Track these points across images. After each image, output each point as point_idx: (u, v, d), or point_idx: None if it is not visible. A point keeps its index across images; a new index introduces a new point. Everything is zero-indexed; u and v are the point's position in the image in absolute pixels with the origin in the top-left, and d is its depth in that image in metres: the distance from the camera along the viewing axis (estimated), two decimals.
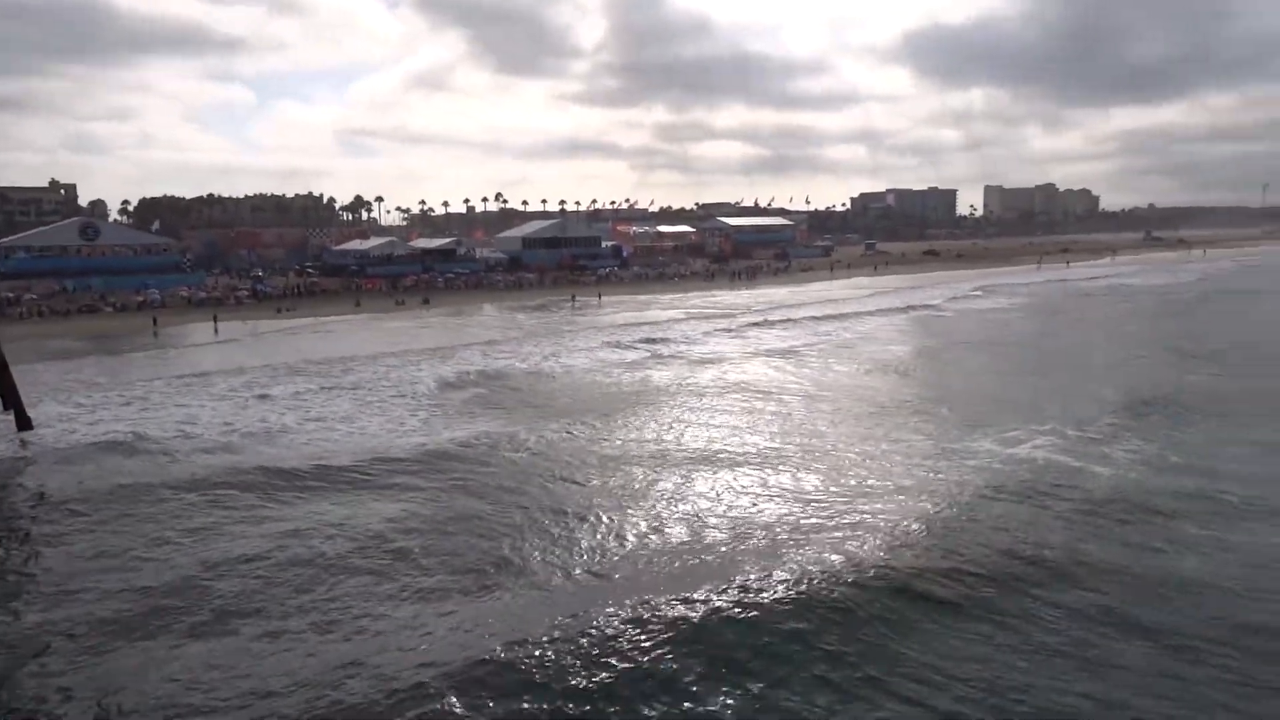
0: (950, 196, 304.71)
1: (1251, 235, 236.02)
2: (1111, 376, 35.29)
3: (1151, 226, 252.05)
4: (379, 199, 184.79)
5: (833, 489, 20.83)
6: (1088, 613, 14.51)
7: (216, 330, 57.52)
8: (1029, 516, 18.73)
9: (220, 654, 13.64)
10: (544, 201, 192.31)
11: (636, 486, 21.56)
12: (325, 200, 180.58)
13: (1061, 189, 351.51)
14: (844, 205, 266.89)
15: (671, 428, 27.69)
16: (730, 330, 53.81)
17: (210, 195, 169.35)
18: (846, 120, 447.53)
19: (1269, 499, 19.74)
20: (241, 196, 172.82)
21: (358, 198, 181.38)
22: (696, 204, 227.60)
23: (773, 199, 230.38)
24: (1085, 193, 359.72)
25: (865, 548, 16.86)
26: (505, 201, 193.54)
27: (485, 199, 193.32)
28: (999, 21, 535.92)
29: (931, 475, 21.71)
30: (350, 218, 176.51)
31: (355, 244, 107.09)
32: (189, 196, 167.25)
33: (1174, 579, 15.78)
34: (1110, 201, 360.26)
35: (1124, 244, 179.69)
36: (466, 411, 30.83)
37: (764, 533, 18.02)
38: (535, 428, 27.72)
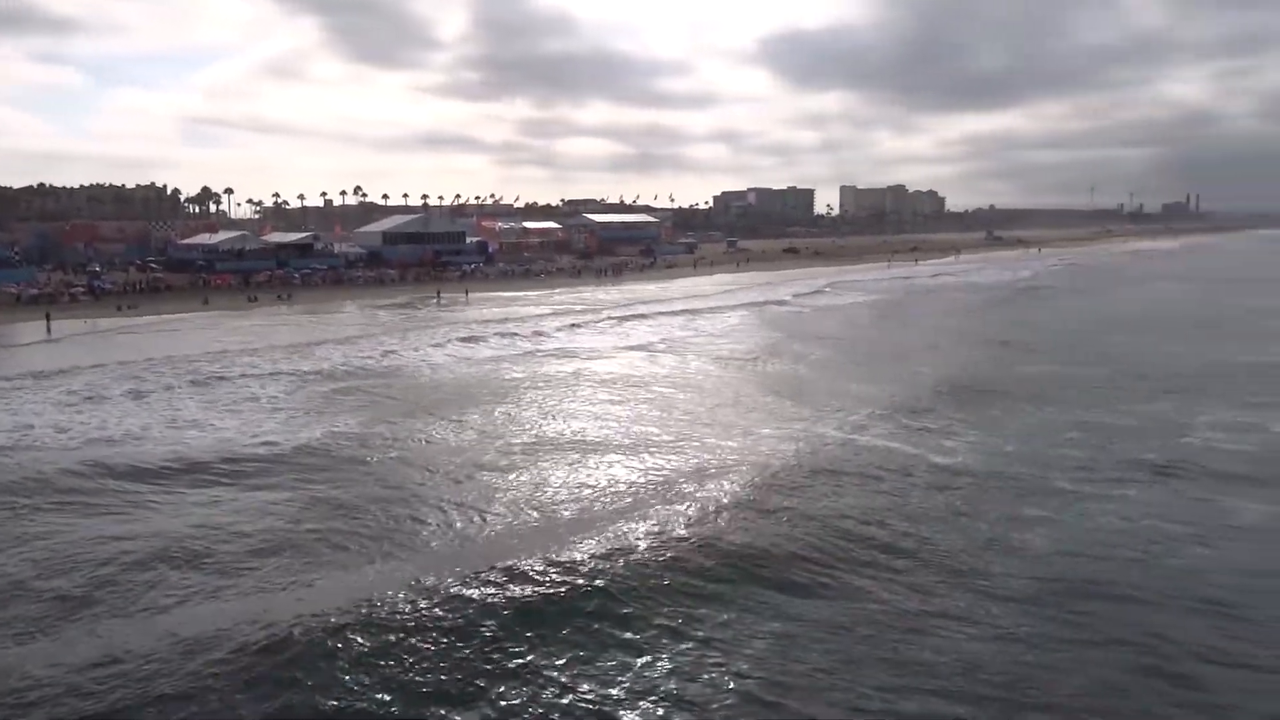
0: (808, 196, 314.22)
1: (1081, 235, 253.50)
2: (940, 366, 37.91)
3: (993, 226, 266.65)
4: (228, 191, 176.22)
5: (678, 471, 21.96)
6: (904, 578, 15.60)
7: (49, 329, 53.80)
8: (853, 491, 20.19)
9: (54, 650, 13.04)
10: (405, 196, 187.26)
11: (490, 475, 22.12)
12: (169, 192, 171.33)
13: (911, 190, 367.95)
14: (707, 203, 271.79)
15: (532, 419, 28.13)
16: (595, 325, 54.21)
17: (41, 185, 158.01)
18: (709, 120, 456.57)
19: (1074, 472, 21.56)
20: (76, 186, 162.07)
21: (205, 189, 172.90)
22: (562, 200, 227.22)
23: (638, 196, 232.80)
24: (933, 194, 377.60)
25: (698, 523, 17.99)
26: (365, 195, 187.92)
27: (343, 192, 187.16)
28: (852, 29, 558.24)
29: (768, 457, 22.89)
30: (197, 210, 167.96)
31: (203, 238, 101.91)
32: (16, 186, 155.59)
33: (986, 542, 17.04)
34: (955, 202, 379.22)
35: (968, 243, 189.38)
36: (324, 409, 30.02)
37: (604, 510, 19.09)
38: (395, 423, 27.42)
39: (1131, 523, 18.41)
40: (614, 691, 12.11)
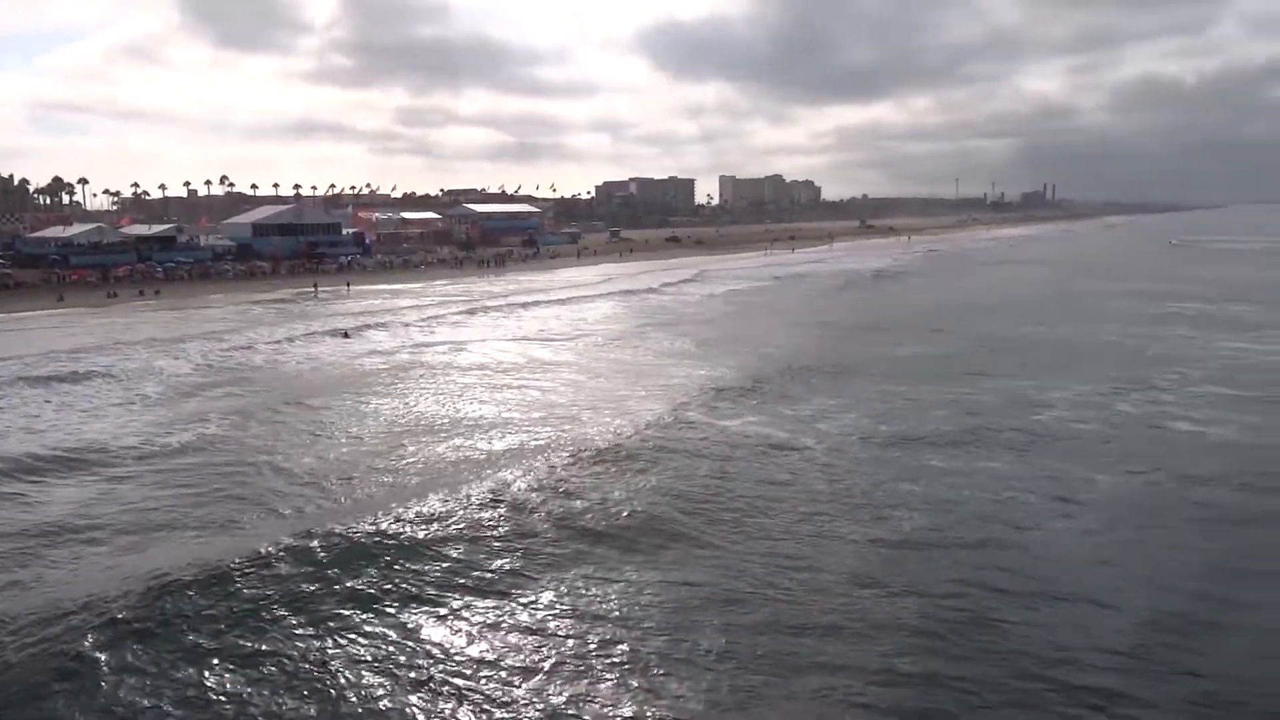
0: (689, 186, 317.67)
1: (948, 223, 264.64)
2: (795, 347, 39.83)
3: (866, 215, 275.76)
4: (83, 181, 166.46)
5: (528, 448, 22.92)
6: (732, 547, 16.37)
7: None
8: (688, 466, 21.25)
9: None
10: (276, 186, 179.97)
11: (352, 457, 22.71)
12: (16, 182, 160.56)
13: (788, 180, 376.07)
14: (589, 193, 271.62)
15: (400, 408, 28.25)
16: (476, 316, 53.78)
17: None
18: (590, 109, 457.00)
19: (916, 442, 22.85)
20: None
21: (57, 179, 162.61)
22: (442, 190, 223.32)
23: (520, 186, 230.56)
24: (809, 184, 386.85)
25: (542, 495, 19.08)
26: (232, 185, 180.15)
27: (209, 182, 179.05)
28: (727, 21, 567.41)
29: (606, 433, 24.00)
30: (48, 202, 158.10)
31: (56, 231, 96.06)
32: None
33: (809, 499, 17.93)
34: (831, 192, 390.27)
35: (843, 231, 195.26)
36: (191, 408, 28.95)
37: (449, 480, 20.04)
38: (266, 417, 26.93)
39: (956, 489, 19.49)
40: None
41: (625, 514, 18.13)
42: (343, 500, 19.46)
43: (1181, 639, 13.02)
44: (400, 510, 17.95)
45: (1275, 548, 16.61)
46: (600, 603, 14.44)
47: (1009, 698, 11.62)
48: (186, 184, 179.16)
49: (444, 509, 18.06)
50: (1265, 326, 44.71)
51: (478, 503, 18.47)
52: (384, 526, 17.01)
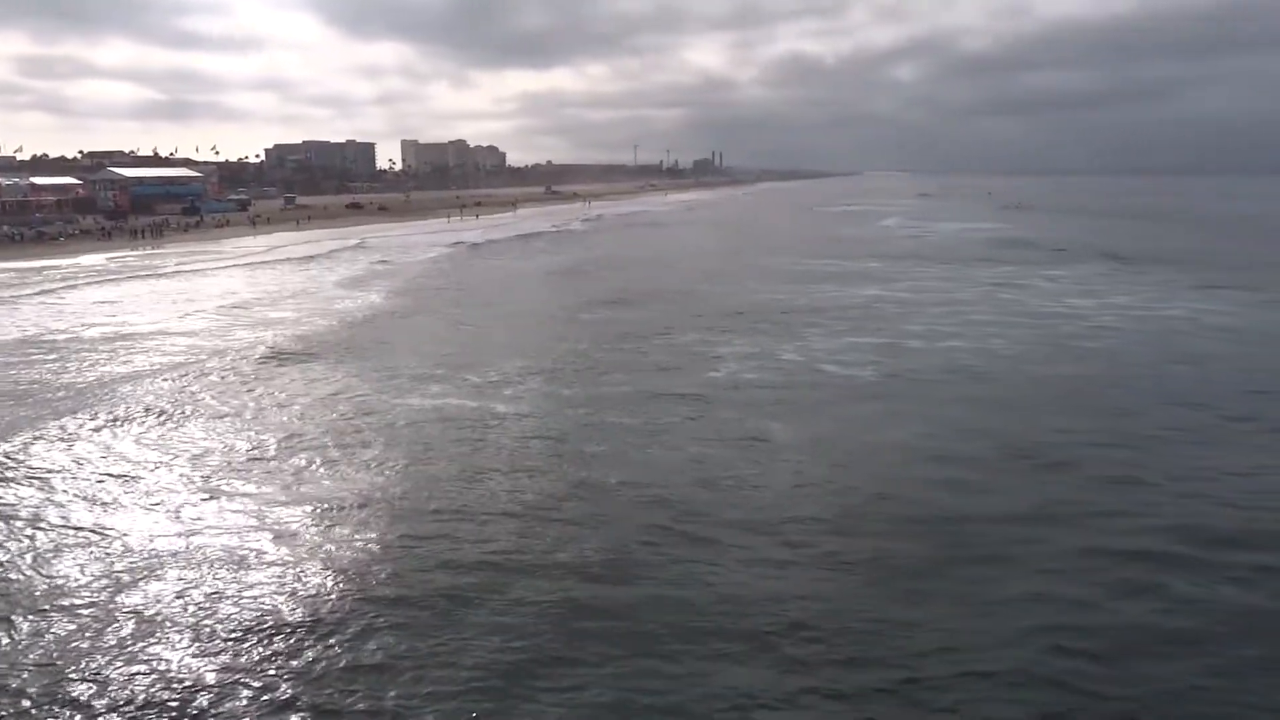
0: (369, 150, 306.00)
1: (628, 189, 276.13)
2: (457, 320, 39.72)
3: (551, 182, 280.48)
4: None
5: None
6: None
7: None
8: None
9: None
10: None
11: None
12: None
13: (472, 145, 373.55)
14: (258, 157, 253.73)
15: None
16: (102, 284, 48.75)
17: None
18: (253, 66, 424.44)
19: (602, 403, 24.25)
20: None
21: None
22: (81, 153, 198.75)
23: (176, 149, 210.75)
24: (494, 149, 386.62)
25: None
26: None
27: None
28: None
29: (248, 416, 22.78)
30: None
31: None
32: None
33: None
34: (515, 158, 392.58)
35: (529, 197, 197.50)
36: None
37: None
38: None
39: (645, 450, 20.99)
40: None
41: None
42: None
43: (848, 525, 15.08)
44: None
45: (916, 466, 19.22)
46: None
47: (691, 630, 12.73)
48: None
49: None
50: (892, 279, 51.36)
51: None
52: None
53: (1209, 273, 51.58)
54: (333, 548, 15.19)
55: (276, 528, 16.06)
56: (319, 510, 16.82)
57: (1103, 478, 18.20)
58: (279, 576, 14.15)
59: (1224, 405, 23.49)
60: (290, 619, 12.80)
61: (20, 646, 12.14)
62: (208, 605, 13.19)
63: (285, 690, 11.09)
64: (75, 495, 17.76)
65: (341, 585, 13.80)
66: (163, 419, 23.13)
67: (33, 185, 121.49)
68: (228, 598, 13.41)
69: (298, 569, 14.39)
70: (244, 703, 10.85)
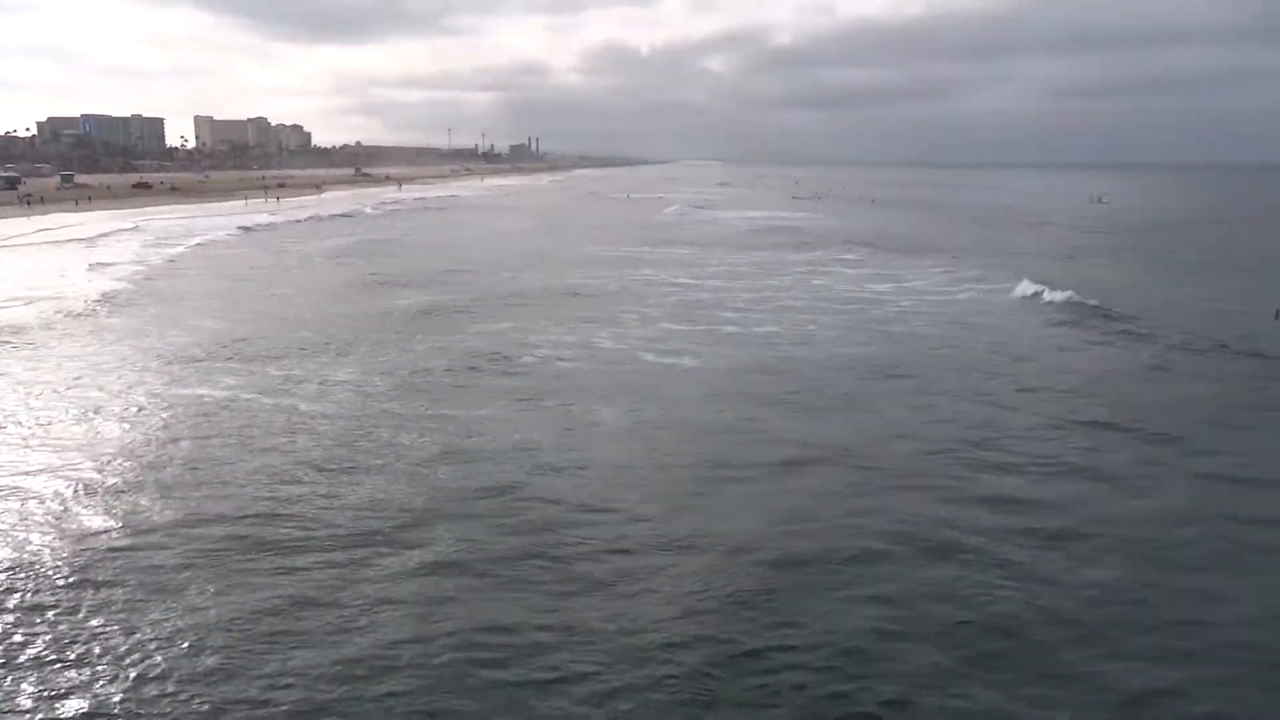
0: (158, 126, 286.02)
1: (442, 172, 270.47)
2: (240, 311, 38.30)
3: (361, 163, 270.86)
4: None
5: None
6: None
7: None
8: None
9: None
10: None
11: None
12: None
13: (275, 124, 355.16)
14: (29, 131, 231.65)
15: None
16: None
17: None
18: (22, 29, 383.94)
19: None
20: None
21: None
22: None
23: None
24: (298, 128, 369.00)
25: None
26: None
27: None
28: None
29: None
30: None
31: None
32: None
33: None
34: (322, 138, 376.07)
35: (337, 179, 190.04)
36: None
37: None
38: None
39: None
40: None
41: None
42: None
43: (681, 502, 15.42)
44: None
45: (737, 443, 19.88)
46: None
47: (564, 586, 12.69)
48: None
49: None
50: (702, 264, 52.86)
51: None
52: None
53: (977, 258, 55.78)
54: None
55: None
56: None
57: (889, 435, 19.50)
58: None
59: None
60: None
61: None
62: None
63: None
64: None
65: None
66: None
67: None
68: None
69: None
70: None
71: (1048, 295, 38.61)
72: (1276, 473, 18.83)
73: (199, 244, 64.27)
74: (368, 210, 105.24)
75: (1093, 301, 37.10)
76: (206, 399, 23.03)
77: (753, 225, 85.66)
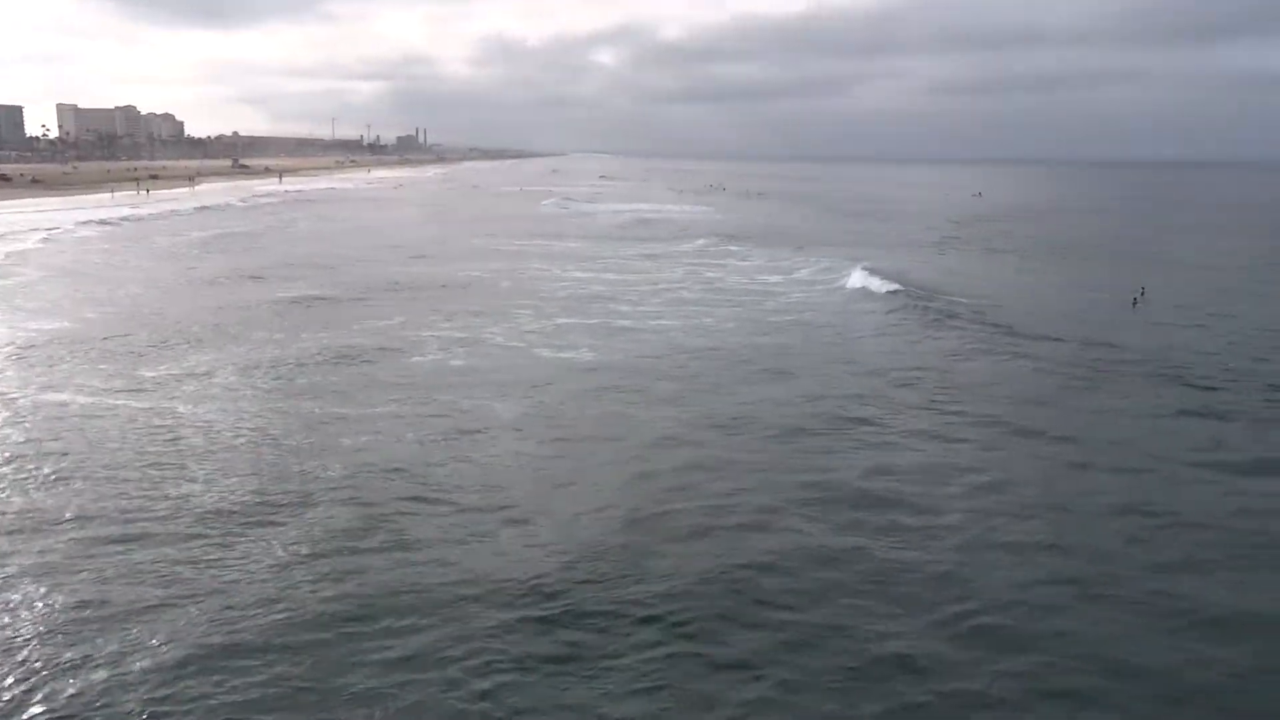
0: (17, 114, 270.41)
1: (326, 164, 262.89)
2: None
3: (239, 154, 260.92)
4: None
5: None
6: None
7: None
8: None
9: None
10: None
11: None
12: None
13: (145, 113, 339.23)
14: None
15: None
16: None
17: None
18: None
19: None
20: None
21: None
22: None
23: None
24: (170, 117, 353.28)
25: None
26: None
27: None
28: None
29: None
30: None
31: None
32: None
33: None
34: (198, 128, 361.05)
35: (212, 170, 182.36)
36: None
37: None
38: None
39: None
40: None
41: None
42: None
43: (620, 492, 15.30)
44: None
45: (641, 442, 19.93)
46: None
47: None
48: None
49: None
50: (597, 257, 52.80)
51: None
52: None
53: (858, 250, 57.29)
54: None
55: None
56: None
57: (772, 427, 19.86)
58: None
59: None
60: None
61: None
62: None
63: None
64: None
65: None
66: None
67: None
68: None
69: None
70: None
71: (877, 285, 40.12)
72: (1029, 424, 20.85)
73: (44, 239, 59.73)
74: (237, 204, 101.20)
75: (922, 292, 38.48)
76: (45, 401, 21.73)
77: (619, 220, 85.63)
